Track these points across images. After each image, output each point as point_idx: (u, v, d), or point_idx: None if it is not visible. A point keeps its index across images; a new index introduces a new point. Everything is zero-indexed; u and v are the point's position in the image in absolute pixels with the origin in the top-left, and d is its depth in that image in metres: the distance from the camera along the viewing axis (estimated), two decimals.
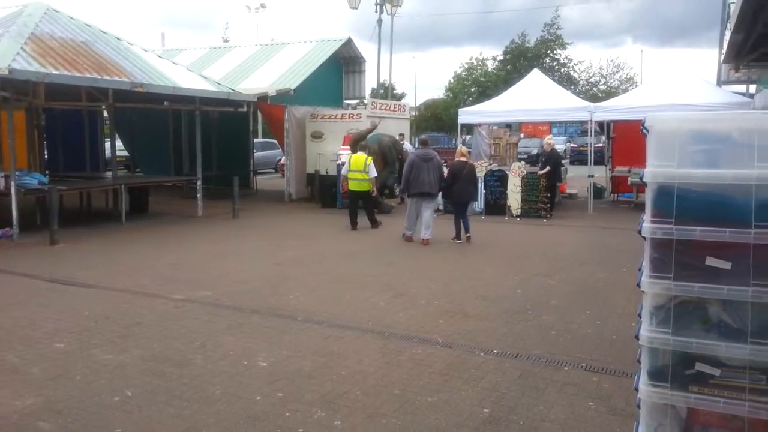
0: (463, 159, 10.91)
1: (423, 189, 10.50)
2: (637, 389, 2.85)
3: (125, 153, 22.10)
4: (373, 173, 11.84)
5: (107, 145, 18.09)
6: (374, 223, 12.13)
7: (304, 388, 4.48)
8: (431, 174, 10.50)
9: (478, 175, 13.96)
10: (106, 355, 5.16)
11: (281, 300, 6.92)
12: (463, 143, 19.30)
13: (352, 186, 12.03)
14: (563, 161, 17.82)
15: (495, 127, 18.89)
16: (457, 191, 10.73)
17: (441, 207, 13.53)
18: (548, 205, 13.59)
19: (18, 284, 7.75)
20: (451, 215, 11.28)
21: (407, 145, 16.65)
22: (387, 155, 14.13)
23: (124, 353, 5.20)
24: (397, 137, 15.82)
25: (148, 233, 11.79)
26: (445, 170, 11.15)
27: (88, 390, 4.45)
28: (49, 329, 5.83)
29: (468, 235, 10.65)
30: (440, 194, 11.46)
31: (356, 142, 12.99)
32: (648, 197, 2.79)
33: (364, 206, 12.19)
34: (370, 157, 11.99)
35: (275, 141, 23.39)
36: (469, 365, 4.96)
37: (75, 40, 12.24)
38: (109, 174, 16.46)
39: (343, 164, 14.55)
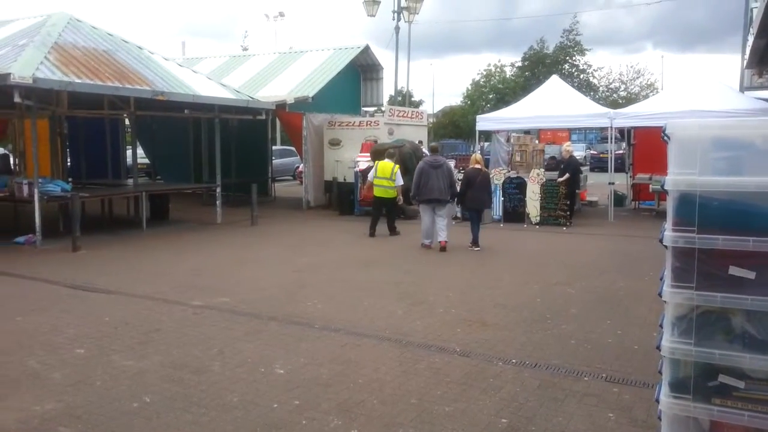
0: (478, 166, 10.93)
1: (432, 195, 10.54)
2: (658, 401, 2.80)
3: (146, 160, 22.39)
4: (400, 181, 11.92)
5: (129, 152, 18.35)
6: (393, 231, 12.14)
7: (320, 396, 4.47)
8: (441, 180, 10.55)
9: (496, 182, 13.94)
10: (125, 361, 5.21)
11: (299, 307, 6.93)
12: (481, 150, 19.25)
13: (378, 193, 12.08)
14: (582, 168, 17.68)
15: (518, 135, 18.85)
16: (471, 198, 10.78)
17: (459, 215, 13.50)
18: (567, 213, 13.48)
19: (40, 290, 7.86)
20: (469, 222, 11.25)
21: (426, 152, 16.65)
22: (407, 162, 14.15)
23: (144, 359, 5.24)
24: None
25: (168, 240, 11.91)
26: (460, 176, 11.16)
27: (108, 396, 4.49)
28: (70, 335, 5.90)
29: (477, 248, 10.55)
30: (457, 202, 11.43)
31: (377, 153, 13.05)
32: (669, 205, 2.76)
33: (387, 214, 12.23)
34: (397, 165, 12.06)
35: (293, 148, 23.53)
36: (488, 375, 4.91)
37: (97, 49, 12.45)
38: (130, 181, 16.67)
39: (360, 172, 14.61)
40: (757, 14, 11.14)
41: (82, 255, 10.20)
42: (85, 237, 10.84)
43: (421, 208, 10.95)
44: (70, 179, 15.81)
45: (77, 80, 10.81)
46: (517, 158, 17.63)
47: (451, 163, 16.07)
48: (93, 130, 18.66)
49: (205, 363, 5.16)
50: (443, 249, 10.41)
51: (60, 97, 11.50)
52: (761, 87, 18.65)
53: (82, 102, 13.26)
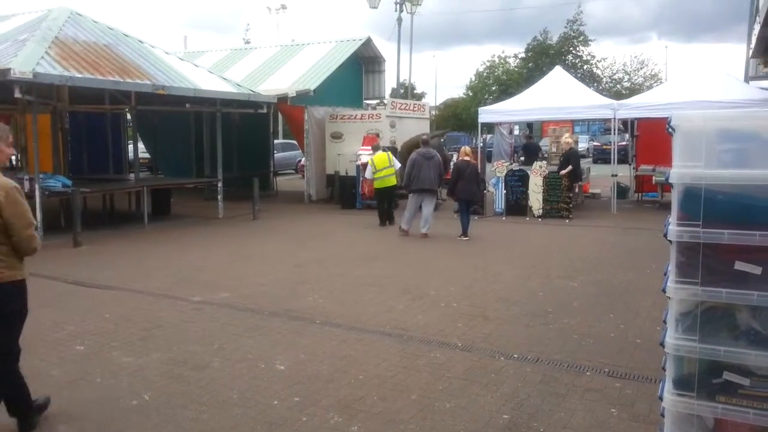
0: (467, 159, 11.29)
1: (424, 185, 11.16)
2: (661, 398, 2.76)
3: (148, 155, 22.34)
4: (398, 164, 12.33)
5: (130, 147, 18.31)
6: (392, 220, 12.50)
7: (321, 393, 4.44)
8: (432, 171, 11.17)
9: (498, 175, 13.89)
10: (125, 357, 5.18)
11: (300, 302, 6.90)
12: (484, 143, 19.18)
13: (382, 184, 12.50)
14: (585, 160, 17.67)
15: (554, 127, 18.97)
16: (460, 189, 11.10)
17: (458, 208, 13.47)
18: (570, 205, 13.40)
19: (41, 286, 7.81)
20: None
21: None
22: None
23: (144, 356, 5.21)
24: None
25: (169, 235, 11.89)
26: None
27: (107, 393, 4.46)
28: (70, 331, 5.88)
29: (466, 237, 10.91)
30: (447, 193, 11.80)
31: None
32: (674, 199, 2.70)
33: (388, 202, 12.63)
34: (389, 152, 12.58)
35: (295, 142, 23.46)
36: (489, 370, 4.87)
37: (98, 43, 12.39)
38: (131, 176, 16.65)
39: (362, 165, 14.59)
40: (763, 2, 11.01)
41: (84, 250, 10.18)
42: (87, 232, 10.83)
43: (410, 196, 11.37)
44: (71, 174, 15.78)
45: (78, 75, 10.76)
46: (554, 149, 17.62)
47: (454, 156, 16.12)
48: (95, 125, 18.58)
49: (205, 359, 5.13)
50: (425, 236, 11.00)
51: (61, 91, 11.47)
52: (767, 77, 18.49)
53: (84, 97, 13.23)
